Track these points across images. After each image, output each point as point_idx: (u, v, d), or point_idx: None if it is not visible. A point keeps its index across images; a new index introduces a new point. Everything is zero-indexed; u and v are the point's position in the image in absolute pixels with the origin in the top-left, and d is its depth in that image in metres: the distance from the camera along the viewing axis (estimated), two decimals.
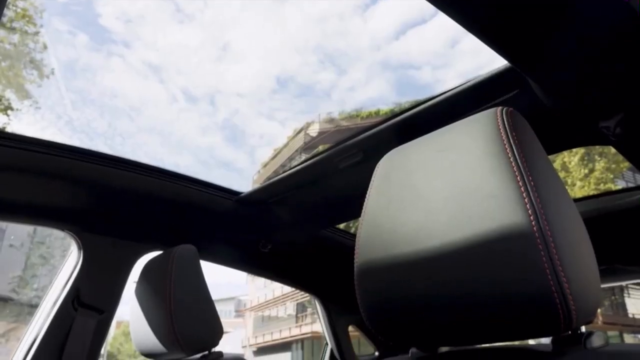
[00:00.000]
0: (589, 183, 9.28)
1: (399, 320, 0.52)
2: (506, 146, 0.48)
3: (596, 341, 0.48)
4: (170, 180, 1.31)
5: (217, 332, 1.10)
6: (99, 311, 1.33)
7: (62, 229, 1.34)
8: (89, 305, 1.32)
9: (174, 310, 1.06)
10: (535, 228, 0.43)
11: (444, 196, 0.50)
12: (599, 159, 9.50)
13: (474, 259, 0.46)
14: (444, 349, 0.59)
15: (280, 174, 1.28)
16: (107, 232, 1.37)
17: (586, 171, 9.56)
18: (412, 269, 0.50)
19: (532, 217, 0.44)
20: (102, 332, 1.35)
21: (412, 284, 0.50)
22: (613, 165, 9.48)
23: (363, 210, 0.58)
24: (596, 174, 9.47)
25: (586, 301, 0.45)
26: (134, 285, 1.24)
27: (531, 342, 1.12)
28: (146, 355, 1.18)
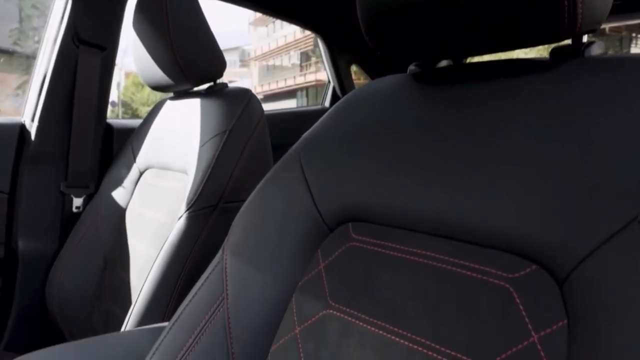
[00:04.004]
0: None
1: (400, 32, 0.51)
2: None
3: (595, 50, 0.48)
4: None
5: (219, 62, 1.12)
6: (101, 48, 1.34)
7: None
8: (89, 42, 1.32)
9: (174, 42, 1.05)
10: None
11: None
12: None
13: None
14: (442, 63, 0.60)
15: None
16: None
17: None
18: None
19: None
20: (109, 69, 1.38)
21: None
22: None
23: None
24: None
25: (594, 8, 0.43)
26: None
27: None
28: (155, 88, 1.22)
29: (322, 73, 2.01)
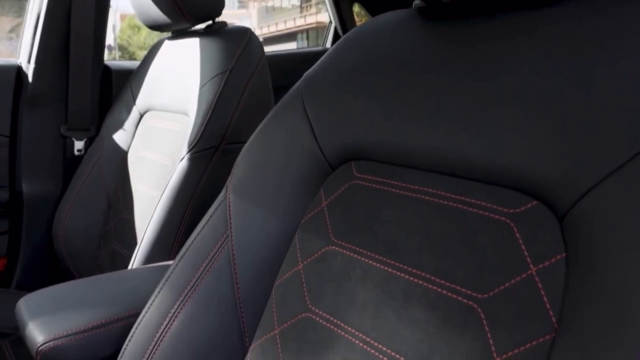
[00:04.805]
0: None
1: None
2: None
3: None
4: None
5: (218, 1, 1.08)
6: None
7: None
8: None
9: None
10: None
11: None
12: None
13: None
14: None
15: None
16: None
17: None
18: None
19: None
20: (104, 8, 1.35)
21: None
22: None
23: None
24: None
25: None
26: None
27: None
28: (152, 27, 1.19)
29: (323, 15, 1.95)
